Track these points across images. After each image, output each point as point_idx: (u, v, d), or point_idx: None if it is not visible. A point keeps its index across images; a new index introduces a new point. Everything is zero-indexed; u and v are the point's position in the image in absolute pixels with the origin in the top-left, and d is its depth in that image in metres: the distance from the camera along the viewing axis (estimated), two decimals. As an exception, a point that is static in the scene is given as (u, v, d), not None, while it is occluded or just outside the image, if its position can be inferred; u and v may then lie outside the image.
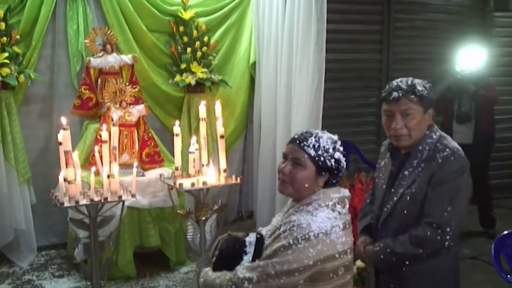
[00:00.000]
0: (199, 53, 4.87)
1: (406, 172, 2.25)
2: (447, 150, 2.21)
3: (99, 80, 4.32)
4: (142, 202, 3.96)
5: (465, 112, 5.26)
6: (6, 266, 4.26)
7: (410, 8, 6.13)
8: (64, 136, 3.16)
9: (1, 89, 4.15)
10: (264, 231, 2.02)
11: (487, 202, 5.51)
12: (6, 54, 4.11)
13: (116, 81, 4.23)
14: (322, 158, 1.89)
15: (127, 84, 4.25)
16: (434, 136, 2.26)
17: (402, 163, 2.29)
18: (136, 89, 4.29)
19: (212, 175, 3.46)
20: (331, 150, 1.91)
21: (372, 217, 2.43)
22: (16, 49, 4.25)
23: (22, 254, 4.33)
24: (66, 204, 3.17)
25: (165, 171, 3.99)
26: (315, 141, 1.89)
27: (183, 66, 4.85)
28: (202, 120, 3.70)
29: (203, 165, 3.58)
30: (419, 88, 2.20)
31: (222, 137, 3.61)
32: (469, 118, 5.27)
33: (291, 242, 1.77)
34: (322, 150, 1.89)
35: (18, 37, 4.28)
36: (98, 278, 3.46)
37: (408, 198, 2.22)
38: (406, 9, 6.11)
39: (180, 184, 3.43)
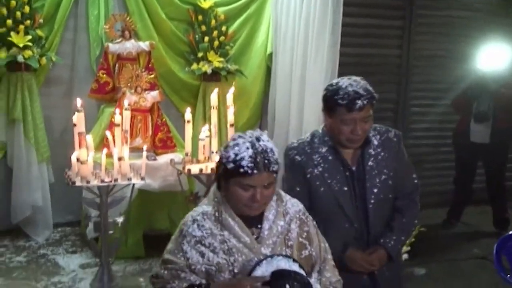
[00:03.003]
0: (216, 43, 4.95)
1: (370, 163, 2.26)
2: (390, 129, 2.37)
3: (116, 65, 4.45)
4: (152, 185, 4.08)
5: (483, 111, 5.22)
6: (23, 240, 4.45)
7: (434, 4, 6.05)
8: (78, 117, 3.30)
9: (23, 71, 4.30)
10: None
11: (502, 202, 5.48)
12: (29, 37, 4.26)
13: (133, 67, 4.35)
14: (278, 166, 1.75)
15: (143, 70, 4.36)
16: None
17: (358, 158, 2.27)
18: (152, 76, 4.41)
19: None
20: (275, 150, 1.73)
21: (342, 227, 2.25)
22: (39, 32, 4.41)
23: (39, 229, 4.51)
24: (78, 183, 3.32)
25: (177, 156, 4.10)
26: (272, 153, 1.69)
27: (200, 54, 4.94)
28: (213, 108, 3.80)
29: (212, 152, 3.69)
30: (372, 90, 2.17)
31: (232, 125, 3.71)
32: (487, 117, 5.22)
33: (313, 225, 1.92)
34: (276, 159, 1.72)
35: (41, 20, 4.42)
36: (107, 256, 3.62)
37: (390, 182, 2.27)
38: (429, 5, 6.03)
39: (189, 169, 3.56)
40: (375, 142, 2.29)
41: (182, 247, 1.73)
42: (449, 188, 5.75)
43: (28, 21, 4.29)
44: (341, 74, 4.94)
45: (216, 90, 3.87)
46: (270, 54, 5.21)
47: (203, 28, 4.97)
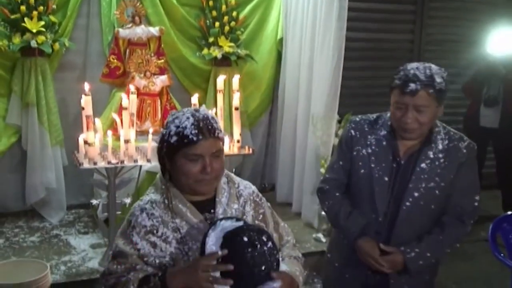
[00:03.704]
0: (227, 28, 4.99)
1: (423, 165, 2.09)
2: (465, 139, 2.16)
3: (127, 50, 4.52)
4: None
5: (493, 96, 5.25)
6: (38, 221, 4.58)
7: (446, -12, 6.04)
8: (86, 101, 3.40)
9: (37, 56, 4.39)
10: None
11: (511, 186, 5.47)
12: (43, 23, 4.35)
13: (143, 51, 4.41)
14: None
15: (153, 55, 4.43)
16: (439, 125, 2.16)
17: (412, 155, 2.12)
18: (162, 60, 4.48)
19: (225, 144, 3.62)
20: (216, 118, 1.70)
21: (367, 214, 2.18)
22: (53, 18, 4.49)
23: (53, 211, 4.64)
24: (86, 165, 3.42)
25: (185, 139, 4.16)
26: (213, 121, 1.66)
27: (211, 39, 4.99)
28: (219, 92, 3.87)
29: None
30: (438, 80, 2.00)
31: (236, 109, 3.78)
32: (496, 101, 5.26)
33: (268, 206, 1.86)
34: (219, 126, 1.69)
35: (54, 6, 4.50)
36: (115, 235, 3.72)
37: (437, 192, 2.10)
38: (441, -10, 6.02)
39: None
40: (440, 146, 2.11)
41: (132, 238, 1.63)
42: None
43: (42, 7, 4.36)
44: (351, 59, 5.03)
45: (222, 76, 3.93)
46: (281, 40, 5.24)
47: (214, 13, 5.01)
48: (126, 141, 3.47)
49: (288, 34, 5.07)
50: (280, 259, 1.68)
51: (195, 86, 5.13)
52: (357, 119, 2.26)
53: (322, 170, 4.05)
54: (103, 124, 3.91)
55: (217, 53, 4.94)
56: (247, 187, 1.81)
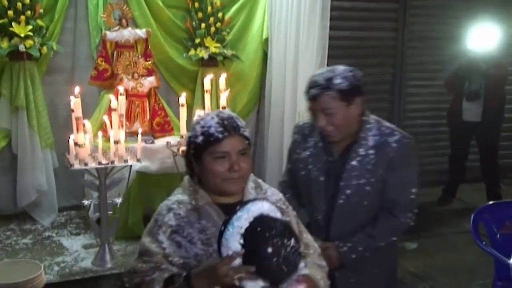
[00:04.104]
0: (213, 29, 5.07)
1: (354, 162, 2.12)
2: (396, 133, 2.16)
3: (115, 53, 4.58)
4: (150, 167, 4.23)
5: (475, 90, 5.35)
6: (30, 223, 4.63)
7: (427, -14, 6.16)
8: (75, 103, 3.47)
9: (25, 60, 4.45)
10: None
11: (495, 179, 5.62)
12: (30, 27, 4.40)
13: (130, 54, 4.48)
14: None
15: (141, 57, 4.50)
16: (372, 121, 2.17)
17: (344, 153, 2.15)
18: (149, 62, 4.54)
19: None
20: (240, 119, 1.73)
21: (309, 213, 2.23)
22: (40, 22, 4.54)
23: (44, 213, 4.69)
24: (76, 166, 3.49)
25: (174, 139, 4.24)
26: (237, 119, 1.70)
27: (197, 40, 5.07)
28: (206, 92, 3.95)
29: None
30: (337, 82, 2.03)
31: (224, 108, 3.86)
32: (478, 95, 5.36)
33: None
34: (244, 124, 1.73)
35: (41, 10, 4.55)
36: (107, 235, 3.80)
37: (368, 188, 2.12)
38: (422, -12, 6.14)
39: (183, 150, 3.70)
40: (371, 143, 2.12)
41: (157, 237, 1.63)
42: (445, 167, 5.89)
43: (29, 12, 4.41)
44: (336, 57, 5.11)
45: (209, 76, 4.01)
46: (266, 39, 5.32)
47: (200, 15, 5.08)
48: (116, 142, 3.54)
49: (273, 33, 5.15)
50: (303, 265, 1.67)
51: (183, 86, 5.19)
52: (300, 123, 2.35)
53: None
54: (93, 126, 3.97)
55: (203, 53, 5.02)
56: (275, 194, 1.81)
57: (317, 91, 2.04)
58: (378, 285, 2.31)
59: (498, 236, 3.32)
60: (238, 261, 1.47)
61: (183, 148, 3.69)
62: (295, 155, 2.28)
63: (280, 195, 1.84)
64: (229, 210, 1.58)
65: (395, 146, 2.12)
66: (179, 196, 1.72)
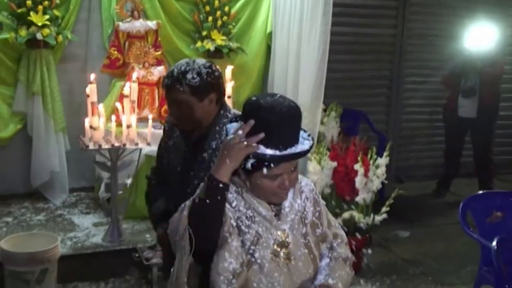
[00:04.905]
0: (219, 22, 5.30)
1: (205, 155, 2.12)
2: None
3: (126, 43, 4.83)
4: (158, 151, 4.48)
5: (471, 87, 5.54)
6: (42, 202, 4.89)
7: (426, -16, 6.35)
8: (91, 89, 3.71)
9: (41, 48, 4.69)
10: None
11: (488, 174, 5.80)
12: (47, 17, 4.64)
13: (141, 44, 4.73)
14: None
15: (151, 47, 4.74)
16: (229, 115, 2.15)
17: (197, 145, 2.15)
18: (159, 52, 4.79)
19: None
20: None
21: (168, 201, 2.23)
22: (56, 12, 4.78)
23: (56, 193, 4.94)
24: (91, 147, 3.74)
25: (181, 126, 4.48)
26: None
27: (204, 33, 5.30)
28: (212, 82, 4.18)
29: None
30: (189, 76, 2.03)
31: (229, 97, 4.09)
32: (474, 92, 5.55)
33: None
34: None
35: (58, 1, 4.79)
36: (117, 213, 4.05)
37: None
38: (422, -14, 6.33)
39: (189, 136, 3.96)
40: (222, 136, 2.08)
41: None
42: (440, 161, 6.11)
43: (46, 2, 4.65)
44: (337, 52, 5.35)
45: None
46: (270, 33, 5.53)
47: (207, 8, 5.31)
48: (128, 126, 3.78)
49: (277, 28, 5.36)
50: (328, 260, 1.79)
51: (190, 77, 5.41)
52: None
53: (308, 155, 4.35)
54: (105, 112, 4.21)
55: (210, 46, 5.24)
56: (308, 184, 1.84)
57: (169, 82, 2.07)
58: None
59: (485, 223, 3.54)
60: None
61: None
62: (163, 143, 2.30)
63: (312, 186, 1.85)
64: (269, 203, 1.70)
65: None
66: None
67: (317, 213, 1.81)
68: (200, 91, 2.04)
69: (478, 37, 5.53)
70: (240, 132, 1.60)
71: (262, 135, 1.59)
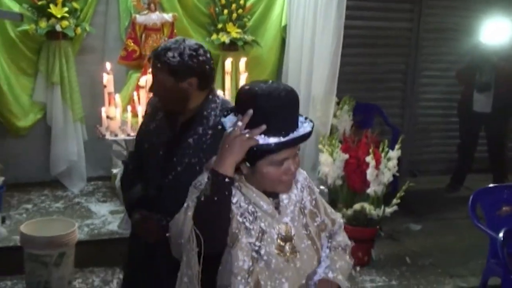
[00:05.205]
0: (234, 15, 5.36)
1: (191, 140, 2.04)
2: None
3: (143, 35, 4.91)
4: (173, 141, 4.57)
5: (486, 82, 5.52)
6: (61, 190, 5.02)
7: (444, -23, 6.32)
8: (108, 79, 3.80)
9: (61, 39, 4.81)
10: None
11: (502, 169, 5.79)
12: (66, 9, 4.76)
13: (157, 36, 4.82)
14: None
15: (166, 39, 4.82)
16: (218, 101, 2.11)
17: (184, 130, 2.08)
18: (175, 44, 4.85)
19: (231, 120, 3.99)
20: None
21: (145, 187, 2.16)
22: (75, 4, 4.89)
23: (74, 181, 5.08)
24: (107, 136, 3.83)
25: (195, 117, 4.56)
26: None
27: (219, 26, 5.36)
28: (227, 73, 4.26)
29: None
30: (169, 55, 1.97)
31: (242, 89, 4.16)
32: (488, 87, 5.53)
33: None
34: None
35: (76, -6, 4.92)
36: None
37: (198, 168, 1.98)
38: (439, -22, 6.30)
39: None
40: (211, 122, 2.05)
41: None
42: (454, 156, 6.09)
43: (65, -6, 4.79)
44: (351, 46, 5.37)
45: (229, 59, 4.32)
46: (285, 26, 5.57)
47: (223, 1, 5.37)
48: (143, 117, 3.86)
49: (291, 21, 5.40)
50: (328, 251, 1.76)
51: (205, 69, 5.49)
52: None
53: (320, 146, 4.40)
54: (122, 103, 4.31)
55: (225, 38, 5.31)
56: (301, 173, 1.79)
57: (151, 56, 2.04)
58: None
59: (494, 216, 3.58)
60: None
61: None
62: (144, 127, 2.23)
63: (305, 174, 1.81)
64: (268, 195, 1.64)
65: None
66: None
67: (313, 201, 1.77)
68: (178, 72, 1.98)
69: (494, 32, 5.51)
70: (240, 123, 1.52)
71: (264, 127, 1.52)
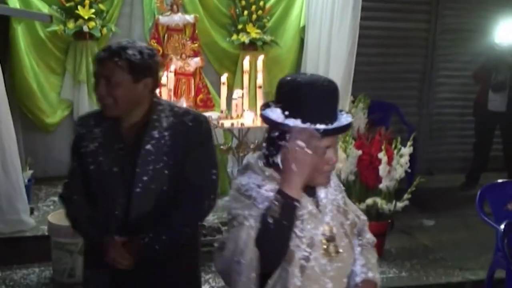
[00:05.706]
0: (254, 16, 5.54)
1: (149, 146, 1.94)
2: (191, 112, 2.07)
3: (166, 35, 5.12)
4: (193, 138, 4.75)
5: (501, 81, 5.59)
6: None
7: (462, -21, 6.39)
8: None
9: (87, 39, 5.05)
10: None
11: (517, 170, 5.86)
12: (93, 10, 5.01)
13: (179, 36, 5.02)
14: None
15: (188, 39, 5.03)
16: (163, 102, 2.06)
17: (137, 138, 1.96)
18: (196, 44, 5.07)
19: (249, 118, 4.17)
20: None
21: (106, 210, 1.99)
22: (101, 6, 5.13)
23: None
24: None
25: (215, 114, 4.72)
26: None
27: (239, 26, 5.55)
28: (245, 72, 4.42)
29: (243, 110, 4.32)
30: (130, 52, 1.88)
31: (260, 87, 4.32)
32: (504, 87, 5.60)
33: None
34: None
35: (103, -4, 5.16)
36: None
37: (167, 172, 1.95)
38: (457, -20, 6.37)
39: (222, 124, 4.20)
40: (165, 124, 1.96)
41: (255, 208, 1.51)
42: (470, 154, 6.16)
43: (92, -3, 5.02)
44: (368, 46, 5.50)
45: (247, 58, 4.49)
46: (304, 27, 5.72)
47: (243, 3, 5.56)
48: (165, 113, 4.06)
49: (309, 22, 5.55)
50: (360, 249, 1.75)
51: (225, 68, 5.66)
52: (84, 115, 2.17)
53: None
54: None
55: (245, 38, 5.49)
56: (334, 177, 1.76)
57: (105, 55, 1.89)
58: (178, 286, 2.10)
59: (501, 211, 3.68)
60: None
61: (222, 121, 4.20)
62: (81, 149, 2.01)
63: (333, 172, 1.72)
64: (307, 194, 1.59)
65: (192, 125, 2.00)
66: (253, 179, 1.59)
67: (343, 198, 1.73)
68: (138, 70, 1.89)
69: (510, 32, 5.57)
70: (301, 143, 1.44)
71: (318, 135, 1.47)
